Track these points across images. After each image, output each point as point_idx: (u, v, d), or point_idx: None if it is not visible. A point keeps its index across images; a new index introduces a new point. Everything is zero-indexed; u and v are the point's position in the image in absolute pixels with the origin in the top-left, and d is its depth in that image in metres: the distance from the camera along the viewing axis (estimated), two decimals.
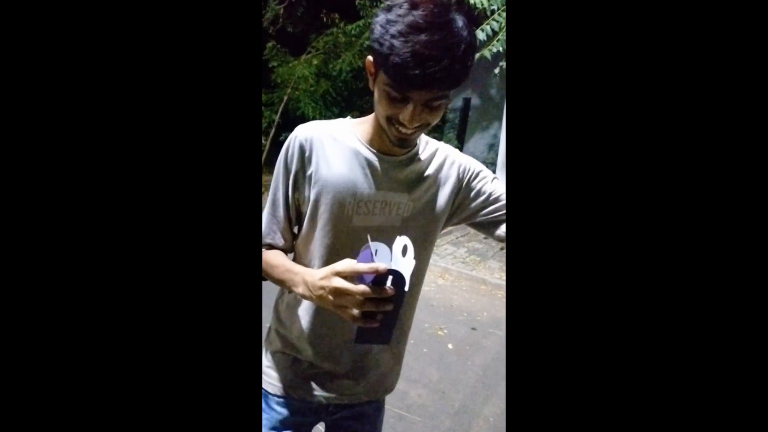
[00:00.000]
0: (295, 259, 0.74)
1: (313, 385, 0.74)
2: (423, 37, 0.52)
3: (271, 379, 0.76)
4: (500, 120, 6.28)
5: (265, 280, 0.68)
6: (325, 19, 5.96)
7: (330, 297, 0.56)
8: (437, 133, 6.67)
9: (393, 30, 0.54)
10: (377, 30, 0.56)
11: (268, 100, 6.13)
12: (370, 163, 0.69)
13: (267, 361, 0.77)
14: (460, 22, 0.55)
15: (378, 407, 0.83)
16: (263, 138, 5.82)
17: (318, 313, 0.71)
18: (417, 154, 0.72)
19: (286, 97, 5.99)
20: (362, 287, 0.54)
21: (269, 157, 5.53)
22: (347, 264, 0.56)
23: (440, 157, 0.74)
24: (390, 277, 0.54)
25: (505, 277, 3.12)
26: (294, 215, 0.71)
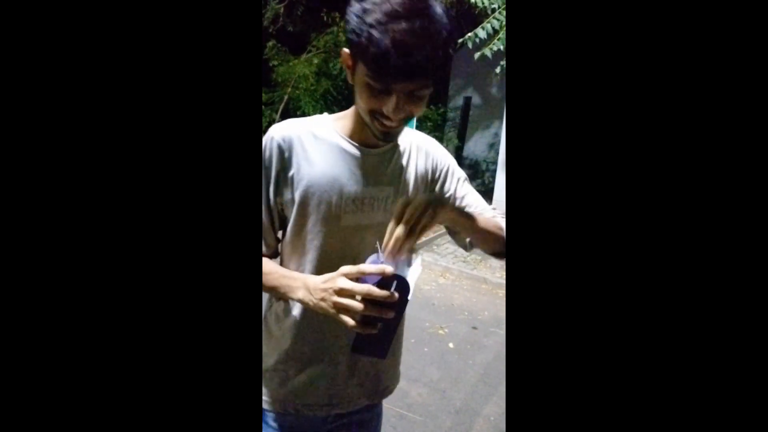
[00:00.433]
0: (282, 265, 0.71)
1: (310, 397, 0.72)
2: (402, 25, 0.50)
3: (265, 396, 0.73)
4: (501, 119, 6.27)
5: None
6: (325, 18, 5.95)
7: (333, 299, 0.55)
8: (438, 132, 6.66)
9: (370, 19, 0.51)
10: (353, 20, 0.52)
11: (268, 99, 6.13)
12: (354, 158, 0.66)
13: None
14: (438, 8, 0.52)
15: (377, 413, 0.82)
16: None
17: (312, 318, 0.69)
18: (398, 143, 0.70)
19: (286, 96, 5.99)
20: (367, 286, 0.53)
21: None
22: (353, 266, 0.55)
23: (416, 145, 0.73)
24: (394, 283, 0.53)
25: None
26: (277, 220, 0.68)
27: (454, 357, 2.36)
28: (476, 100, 7.45)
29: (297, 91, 5.99)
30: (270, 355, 0.73)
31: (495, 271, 3.82)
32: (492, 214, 0.76)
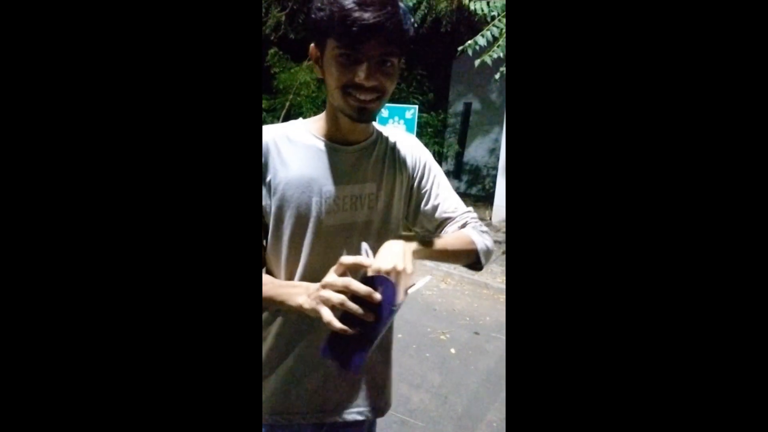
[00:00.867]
0: (268, 274, 0.70)
1: (304, 406, 0.71)
2: None
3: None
4: (501, 125, 6.29)
5: None
6: None
7: (318, 293, 0.54)
8: (439, 138, 6.67)
9: None
10: (315, 8, 0.57)
11: (270, 105, 6.17)
12: (331, 157, 0.66)
13: None
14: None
15: (370, 428, 0.81)
16: None
17: (300, 323, 0.68)
18: (377, 140, 0.70)
19: (288, 103, 6.02)
20: (348, 279, 0.52)
21: None
22: (349, 257, 0.55)
23: (396, 141, 0.73)
24: (381, 287, 0.51)
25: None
26: (261, 228, 0.66)
27: (456, 362, 2.35)
28: (476, 105, 7.47)
29: (298, 98, 6.02)
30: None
31: (496, 276, 3.81)
32: (464, 220, 0.75)
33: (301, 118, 0.72)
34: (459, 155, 7.46)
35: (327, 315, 0.52)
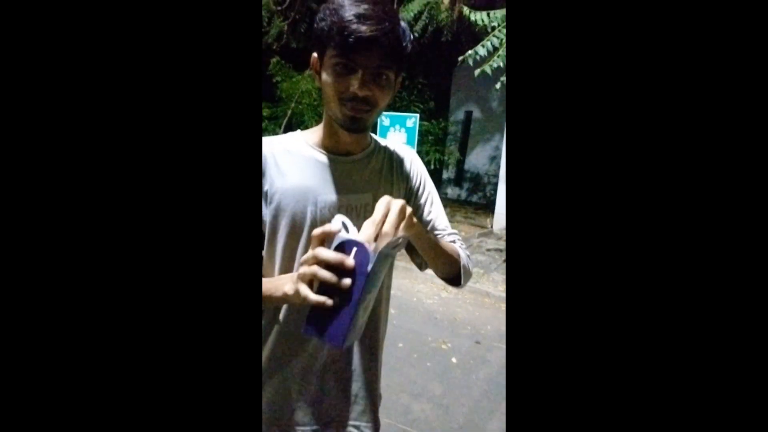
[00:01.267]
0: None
1: (300, 416, 0.70)
2: (364, 5, 0.57)
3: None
4: (501, 133, 6.32)
5: None
6: None
7: (299, 270, 0.53)
8: (439, 145, 6.71)
9: (333, 9, 0.58)
10: (318, 19, 0.60)
11: (272, 114, 6.22)
12: (327, 167, 0.67)
13: None
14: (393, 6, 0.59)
15: None
16: None
17: (297, 332, 0.67)
18: (374, 151, 0.71)
19: (289, 111, 6.07)
20: (317, 249, 0.51)
21: None
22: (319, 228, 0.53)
23: (393, 153, 0.74)
24: (354, 250, 0.50)
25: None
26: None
27: (457, 372, 2.33)
28: (477, 114, 7.52)
29: (300, 107, 6.07)
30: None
31: (497, 285, 3.80)
32: (452, 238, 0.76)
33: (300, 129, 0.73)
34: (460, 163, 7.49)
35: (304, 290, 0.51)
